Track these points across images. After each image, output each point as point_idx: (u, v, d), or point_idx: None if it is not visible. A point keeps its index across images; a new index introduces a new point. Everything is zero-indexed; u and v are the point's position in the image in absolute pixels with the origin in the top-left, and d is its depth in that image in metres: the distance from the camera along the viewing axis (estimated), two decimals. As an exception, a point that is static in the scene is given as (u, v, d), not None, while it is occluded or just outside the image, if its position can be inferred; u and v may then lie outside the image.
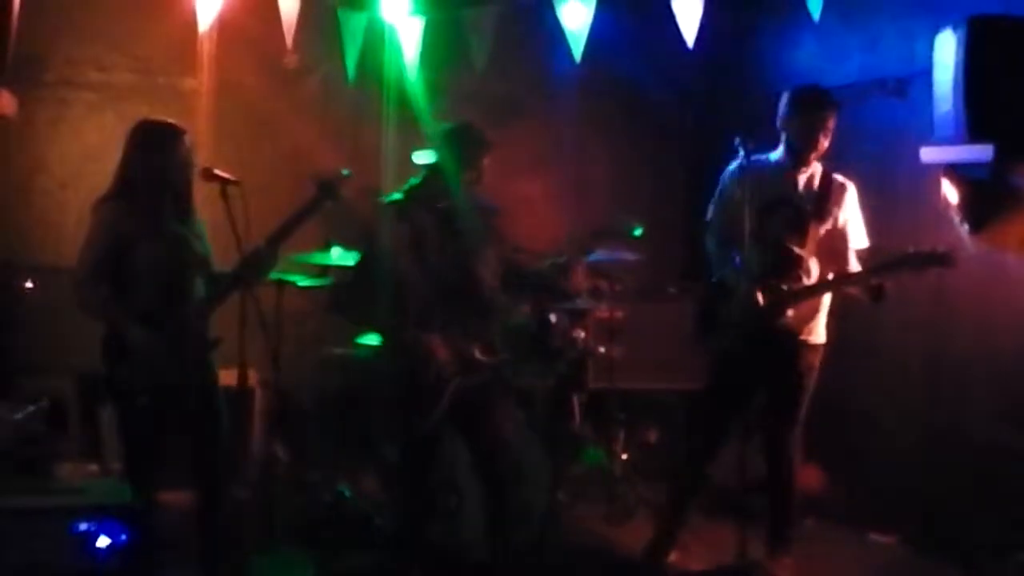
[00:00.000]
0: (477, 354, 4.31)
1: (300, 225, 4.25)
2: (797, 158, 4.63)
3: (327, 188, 4.27)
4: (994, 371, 4.95)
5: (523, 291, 4.63)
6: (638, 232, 4.60)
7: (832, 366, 4.76)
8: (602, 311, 5.83)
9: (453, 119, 6.47)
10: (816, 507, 5.41)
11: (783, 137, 4.66)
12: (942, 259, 4.39)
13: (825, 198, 4.61)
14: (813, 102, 4.60)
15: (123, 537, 4.04)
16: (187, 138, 4.19)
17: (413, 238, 4.30)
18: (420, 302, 4.27)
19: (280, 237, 4.23)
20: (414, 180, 4.49)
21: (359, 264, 4.51)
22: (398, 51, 6.39)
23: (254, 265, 4.17)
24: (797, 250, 4.57)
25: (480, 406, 4.34)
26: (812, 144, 4.57)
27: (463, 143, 4.37)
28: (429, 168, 4.49)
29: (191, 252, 4.19)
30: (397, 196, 4.45)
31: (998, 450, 4.91)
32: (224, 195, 4.10)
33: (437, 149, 4.42)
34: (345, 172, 4.35)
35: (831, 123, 4.56)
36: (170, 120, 4.23)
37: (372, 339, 5.60)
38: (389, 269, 4.29)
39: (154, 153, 4.12)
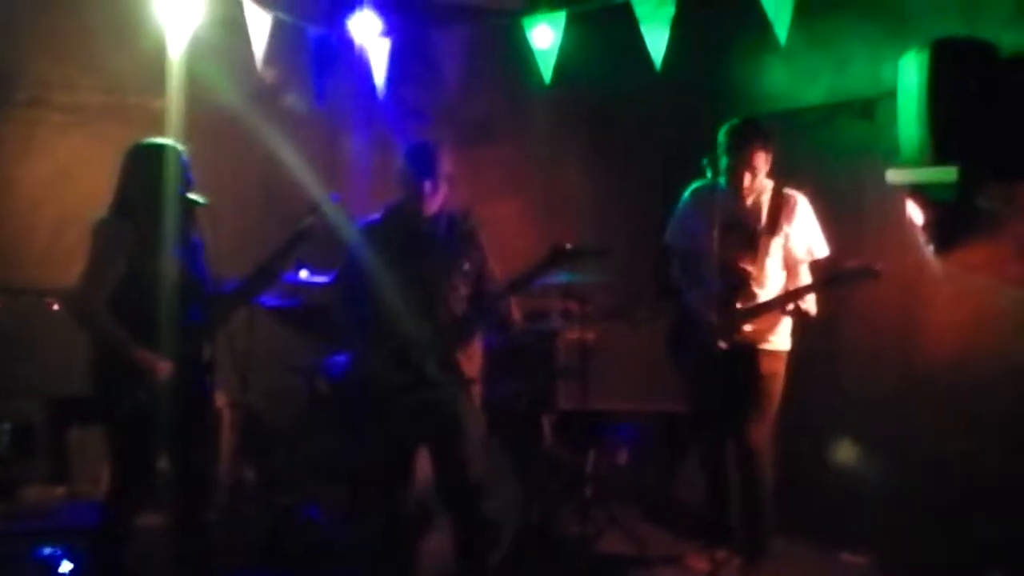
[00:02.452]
0: (433, 370, 4.30)
1: (295, 254, 4.32)
2: (733, 189, 4.77)
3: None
4: (965, 390, 4.97)
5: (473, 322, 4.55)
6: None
7: (803, 383, 4.80)
8: (573, 332, 5.84)
9: (430, 140, 6.58)
10: (787, 526, 5.42)
11: None
12: (867, 274, 4.58)
13: (775, 214, 4.72)
14: (736, 140, 4.76)
15: (88, 562, 4.00)
16: (183, 155, 4.21)
17: (382, 255, 4.34)
18: (380, 318, 4.31)
19: (272, 269, 4.28)
20: (392, 200, 4.53)
21: (336, 284, 4.59)
22: (368, 72, 6.40)
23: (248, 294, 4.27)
24: (748, 268, 4.68)
25: (441, 424, 4.32)
26: (738, 181, 4.74)
27: (409, 160, 4.40)
28: (400, 187, 4.50)
29: (190, 273, 4.19)
30: (373, 217, 4.51)
31: (970, 468, 4.93)
32: (194, 217, 4.10)
33: (397, 170, 4.46)
34: (335, 198, 4.40)
35: (757, 160, 4.69)
36: (166, 140, 4.25)
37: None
38: (360, 287, 4.34)
39: (152, 174, 4.13)
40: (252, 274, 4.25)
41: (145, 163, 4.17)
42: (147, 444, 4.09)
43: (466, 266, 4.41)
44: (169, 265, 4.11)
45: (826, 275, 4.68)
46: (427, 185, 4.32)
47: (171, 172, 4.15)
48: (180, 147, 4.23)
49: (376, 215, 4.53)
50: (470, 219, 4.51)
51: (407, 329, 4.28)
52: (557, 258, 4.25)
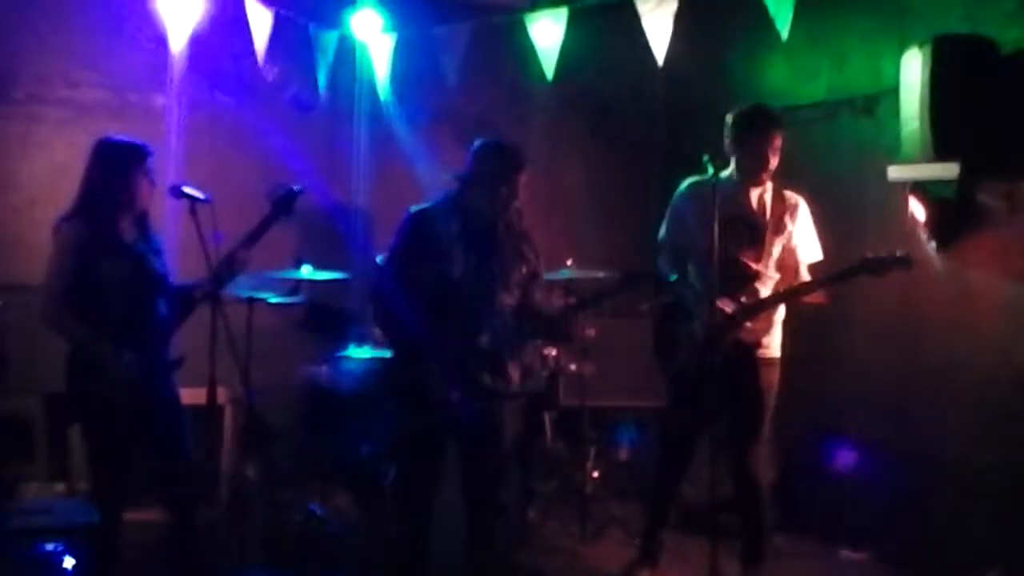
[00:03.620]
0: (486, 380, 4.21)
1: (257, 241, 4.29)
2: (748, 178, 4.67)
3: (281, 204, 4.30)
4: (965, 388, 4.98)
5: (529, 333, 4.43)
6: (673, 278, 4.61)
7: (803, 382, 4.78)
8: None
9: (431, 136, 6.58)
10: (787, 523, 5.43)
11: (733, 158, 4.71)
12: (901, 262, 4.44)
13: (780, 213, 4.67)
14: (759, 123, 4.64)
15: (89, 558, 4.00)
16: (150, 156, 4.18)
17: (435, 249, 4.22)
18: (432, 316, 4.18)
19: (236, 257, 4.23)
20: (448, 192, 4.37)
21: (384, 273, 4.38)
22: (370, 68, 6.40)
23: (215, 283, 4.18)
24: (753, 264, 4.63)
25: (482, 434, 4.24)
26: (762, 164, 4.62)
27: (496, 158, 4.26)
28: (462, 182, 4.34)
29: (153, 270, 4.18)
30: (426, 206, 4.35)
31: (969, 466, 4.93)
32: (193, 213, 4.09)
33: (470, 164, 4.30)
34: (297, 188, 4.37)
35: (778, 142, 4.61)
36: (132, 138, 4.22)
37: (356, 352, 5.59)
38: (412, 278, 4.21)
39: (117, 172, 4.11)
40: (215, 268, 4.20)
41: (107, 160, 4.14)
42: (118, 439, 4.07)
43: (524, 269, 4.31)
44: (130, 261, 4.10)
45: (859, 262, 4.48)
46: (517, 181, 4.23)
47: (133, 169, 4.11)
48: (146, 145, 4.20)
49: (427, 203, 4.35)
50: (523, 218, 4.39)
51: (466, 337, 4.18)
52: (631, 279, 4.27)
